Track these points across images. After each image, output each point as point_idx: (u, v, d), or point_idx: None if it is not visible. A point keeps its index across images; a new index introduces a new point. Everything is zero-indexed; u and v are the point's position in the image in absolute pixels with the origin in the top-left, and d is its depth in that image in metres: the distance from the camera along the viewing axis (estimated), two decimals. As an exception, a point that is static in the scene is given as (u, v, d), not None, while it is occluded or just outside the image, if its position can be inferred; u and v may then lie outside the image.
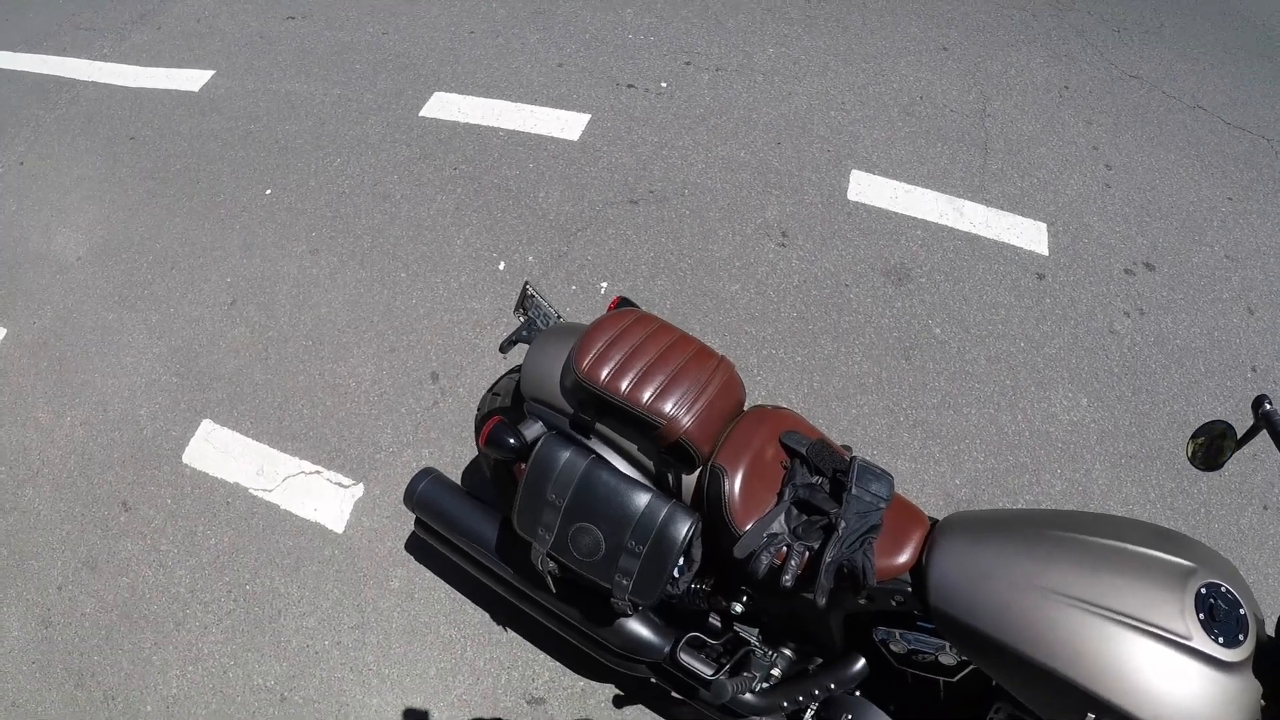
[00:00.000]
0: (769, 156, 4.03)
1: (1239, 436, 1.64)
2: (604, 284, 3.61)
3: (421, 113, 4.51)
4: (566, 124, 4.27)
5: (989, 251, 3.66)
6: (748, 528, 1.78)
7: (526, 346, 2.22)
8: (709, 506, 1.85)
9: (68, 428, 3.60)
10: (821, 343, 3.38)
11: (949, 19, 4.85)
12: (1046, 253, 3.68)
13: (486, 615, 2.85)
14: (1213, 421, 1.70)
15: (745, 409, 2.00)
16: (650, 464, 1.94)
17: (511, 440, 1.93)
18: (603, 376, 1.83)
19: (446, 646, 2.81)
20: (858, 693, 1.99)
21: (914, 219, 3.76)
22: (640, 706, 2.63)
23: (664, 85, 4.42)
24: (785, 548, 1.73)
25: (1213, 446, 1.69)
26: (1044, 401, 3.25)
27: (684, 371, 1.86)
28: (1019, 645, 1.47)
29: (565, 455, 1.88)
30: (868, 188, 3.88)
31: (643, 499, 1.82)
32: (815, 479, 1.85)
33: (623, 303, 2.21)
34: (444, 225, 3.95)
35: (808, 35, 4.71)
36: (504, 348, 2.31)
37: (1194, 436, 1.74)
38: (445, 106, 4.50)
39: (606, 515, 1.84)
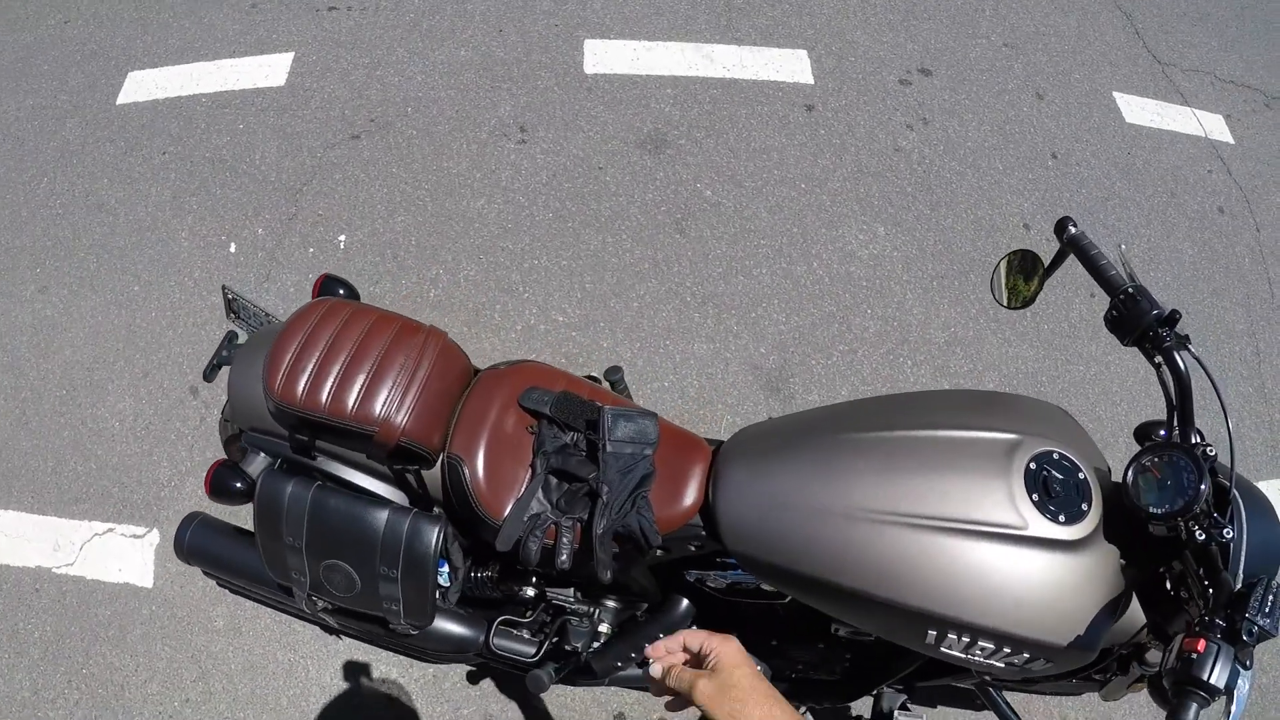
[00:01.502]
0: (492, 47, 3.63)
1: (1046, 266, 1.50)
2: (342, 238, 3.24)
3: (119, 101, 3.98)
4: (270, 69, 3.80)
5: (749, 93, 3.34)
6: (505, 514, 1.58)
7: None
8: (456, 501, 1.65)
9: None
10: (585, 238, 3.04)
11: None
12: (812, 81, 3.38)
13: (316, 629, 2.65)
14: (1013, 252, 1.55)
15: (476, 376, 1.76)
16: (388, 470, 1.73)
17: (238, 485, 1.74)
18: (299, 394, 1.58)
19: (289, 672, 2.64)
20: (693, 627, 1.82)
21: (661, 77, 3.42)
22: (492, 676, 2.53)
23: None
24: (553, 525, 1.56)
25: (1018, 281, 1.55)
26: (838, 241, 2.98)
27: (387, 360, 1.62)
28: (832, 577, 1.32)
29: (288, 489, 1.64)
30: (605, 56, 3.52)
31: (380, 518, 1.60)
32: (568, 437, 1.64)
33: (328, 281, 1.92)
34: (165, 220, 3.52)
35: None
36: (209, 376, 2.00)
37: (996, 273, 1.58)
38: (141, 87, 3.98)
39: (349, 545, 1.62)
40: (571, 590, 1.89)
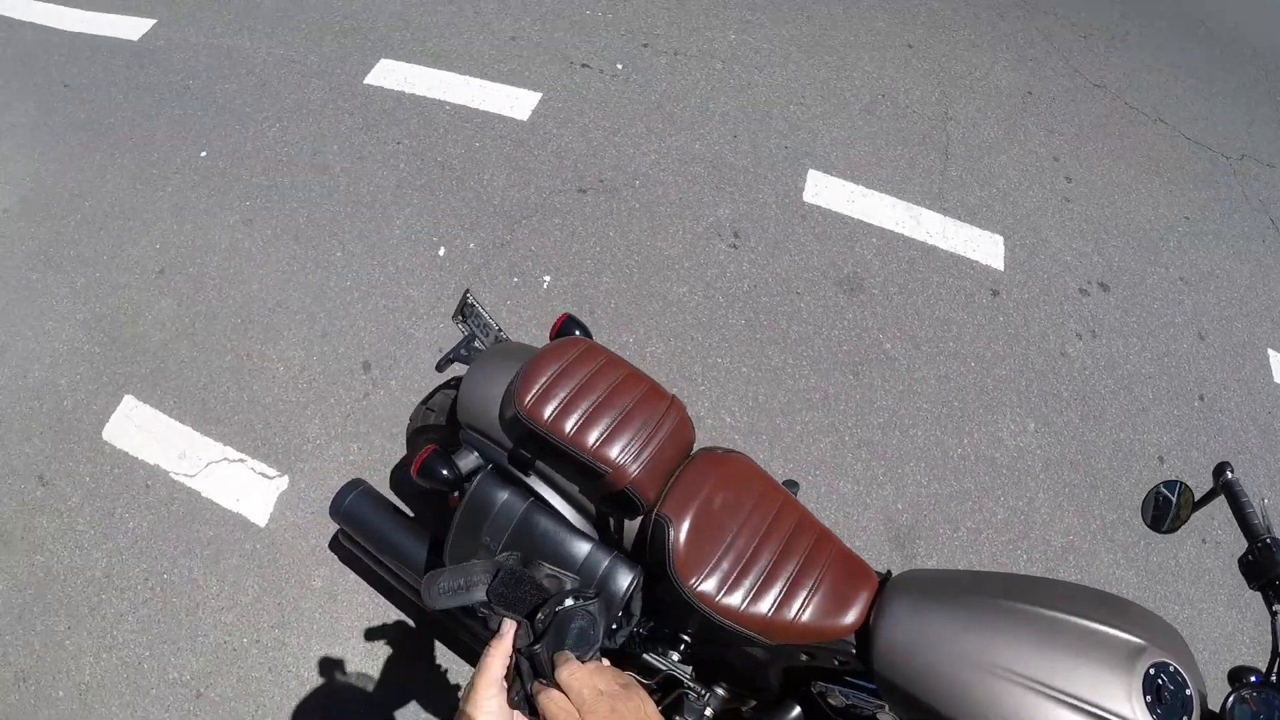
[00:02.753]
0: (724, 150, 3.88)
1: (1195, 500, 1.62)
2: (547, 278, 3.46)
3: (366, 80, 4.28)
4: (517, 102, 4.07)
5: (944, 264, 3.57)
6: (689, 582, 1.70)
7: (464, 366, 2.11)
8: (653, 557, 1.75)
9: None
10: (769, 353, 3.26)
11: (915, 15, 4.73)
12: (1002, 268, 3.60)
13: (410, 624, 2.75)
14: (1169, 481, 1.68)
15: (694, 452, 1.90)
16: (591, 507, 1.84)
17: (445, 472, 1.83)
18: (546, 415, 1.72)
19: (367, 653, 2.72)
20: None
21: (870, 225, 3.65)
22: None
23: (620, 67, 4.23)
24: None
25: (1168, 508, 1.68)
26: (991, 425, 3.18)
27: (632, 414, 1.77)
28: (962, 718, 1.43)
29: (503, 496, 1.78)
30: (824, 189, 3.76)
31: (583, 549, 1.73)
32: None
33: (568, 322, 2.08)
34: (383, 203, 3.76)
35: (771, 23, 4.55)
36: (440, 366, 2.19)
37: (1150, 496, 1.72)
38: (391, 75, 4.28)
39: None
40: (690, 670, 1.97)
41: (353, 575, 2.84)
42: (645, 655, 2.00)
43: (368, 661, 2.71)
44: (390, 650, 2.73)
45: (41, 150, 4.24)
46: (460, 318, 2.21)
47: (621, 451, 1.71)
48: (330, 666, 2.72)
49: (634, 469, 1.70)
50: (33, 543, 3.01)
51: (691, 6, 4.61)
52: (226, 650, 2.75)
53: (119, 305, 3.54)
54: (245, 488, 3.05)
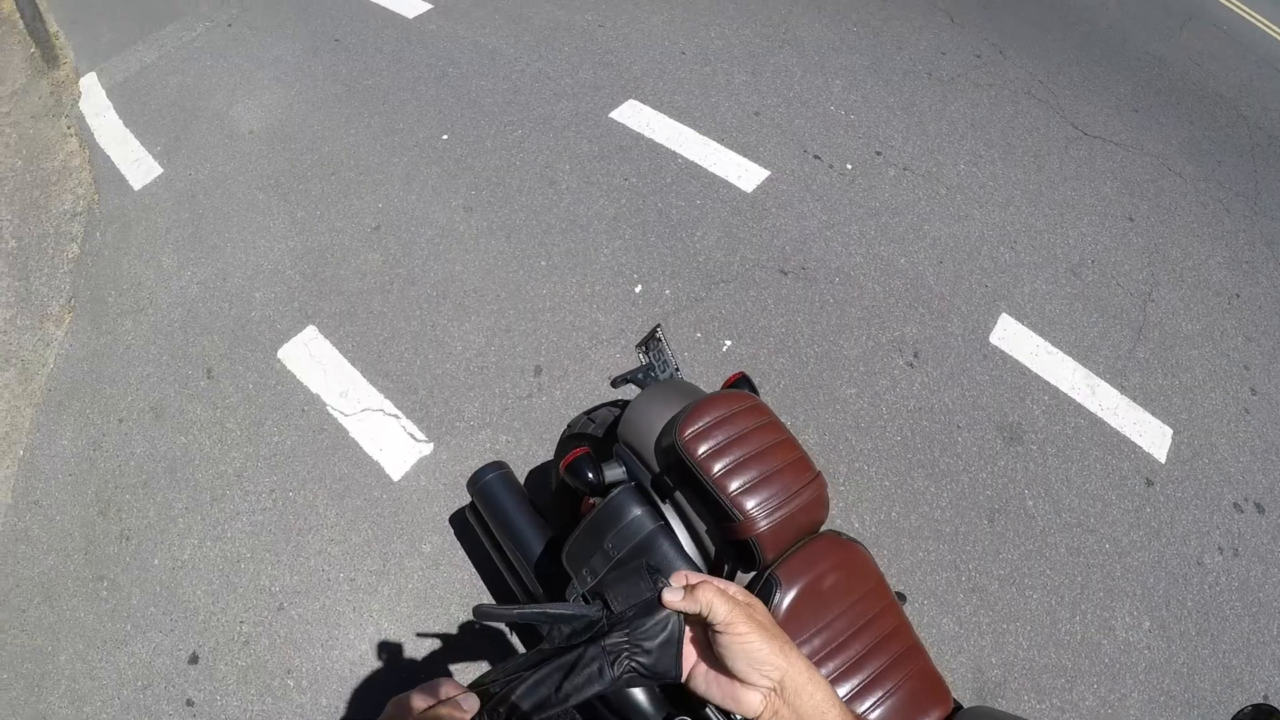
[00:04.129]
0: (927, 272, 4.04)
1: None
2: (728, 342, 3.68)
3: (611, 114, 4.61)
4: (745, 173, 4.33)
5: (1108, 440, 3.62)
6: None
7: (636, 389, 2.27)
8: None
9: (185, 281, 3.85)
10: (914, 476, 3.39)
11: (1143, 190, 4.77)
12: (1163, 460, 3.62)
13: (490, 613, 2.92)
14: (1262, 705, 1.65)
15: (821, 529, 1.99)
16: (712, 548, 1.95)
17: (591, 475, 1.98)
18: (699, 451, 1.84)
19: (449, 625, 2.91)
20: None
21: (1046, 382, 3.73)
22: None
23: (849, 167, 4.44)
24: None
25: None
26: (1107, 611, 3.23)
27: (778, 475, 1.86)
28: None
29: (636, 512, 1.91)
30: (1012, 335, 3.86)
31: None
32: None
33: (741, 380, 2.24)
34: (597, 230, 4.05)
35: (1003, 162, 4.68)
36: (616, 383, 2.38)
37: (1239, 716, 1.69)
38: (635, 116, 4.60)
39: None
40: None
41: (460, 552, 3.05)
42: (707, 710, 2.11)
43: (447, 632, 2.90)
44: (472, 630, 2.90)
45: (299, 89, 4.73)
46: (645, 347, 2.39)
47: (757, 505, 1.81)
48: (410, 625, 2.92)
49: (763, 524, 1.80)
50: (182, 423, 3.37)
51: (930, 128, 4.79)
52: (321, 578, 3.01)
53: (329, 245, 3.94)
54: (391, 441, 3.33)
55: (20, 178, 4.66)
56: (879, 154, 4.55)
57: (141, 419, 3.45)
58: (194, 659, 2.91)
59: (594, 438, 2.34)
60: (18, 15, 6.87)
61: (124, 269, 3.98)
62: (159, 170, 4.42)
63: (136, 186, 4.40)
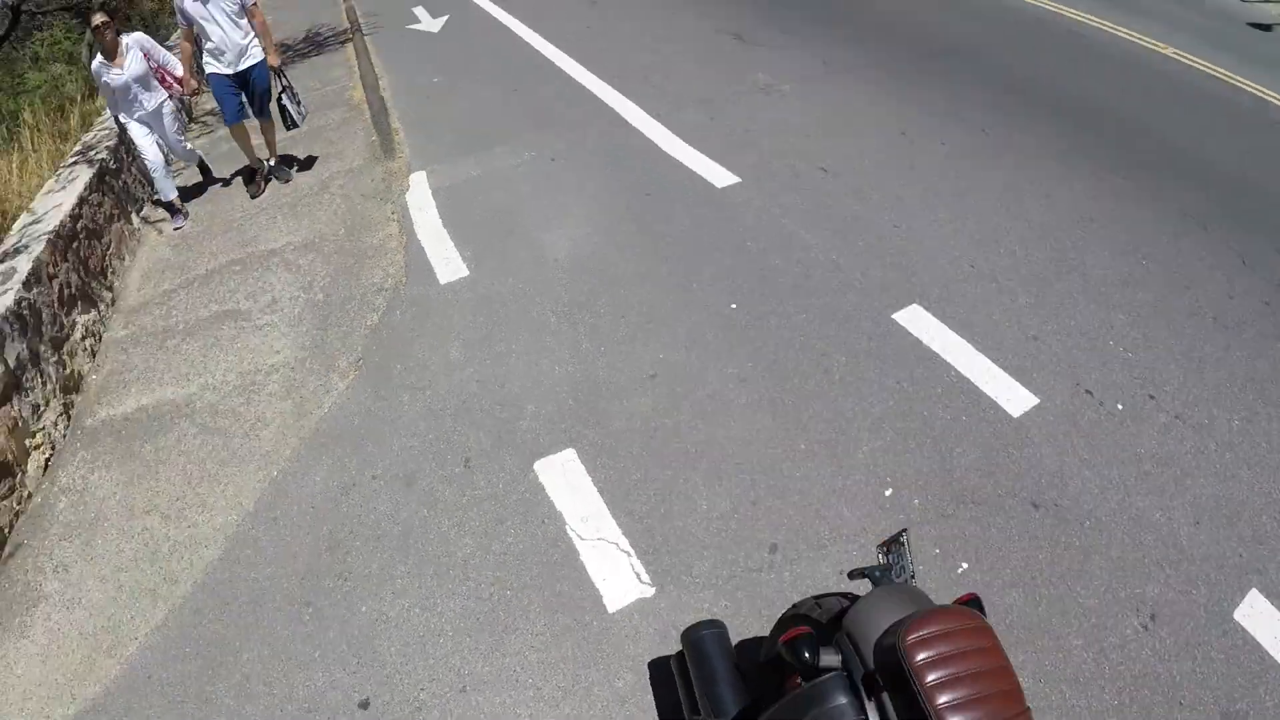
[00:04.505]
0: (1180, 531, 4.01)
1: None
2: (964, 564, 3.84)
3: (895, 315, 4.99)
4: (1014, 397, 4.54)
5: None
6: None
7: (870, 585, 2.45)
8: None
9: (466, 375, 4.49)
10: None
11: None
12: None
13: None
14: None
15: None
16: None
17: (808, 655, 2.04)
18: (919, 658, 1.87)
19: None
20: None
21: (1286, 674, 3.65)
22: None
23: (1120, 407, 4.53)
24: None
25: None
26: None
27: (989, 700, 1.86)
28: None
29: (840, 701, 1.97)
30: (1259, 614, 3.77)
31: None
32: None
33: (973, 600, 2.35)
34: (860, 426, 4.38)
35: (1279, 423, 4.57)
36: (853, 575, 2.60)
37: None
38: (917, 321, 4.94)
39: None
40: None
41: (649, 697, 3.26)
42: None
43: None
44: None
45: (607, 232, 5.40)
46: (887, 548, 2.56)
47: None
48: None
49: None
50: (429, 498, 3.89)
51: (1208, 377, 4.76)
52: (510, 677, 3.31)
53: (605, 380, 4.46)
54: (616, 574, 3.64)
55: (341, 243, 5.67)
56: (1152, 397, 4.60)
57: (393, 482, 4.06)
58: (365, 704, 3.31)
59: (817, 622, 2.43)
60: (365, 105, 8.31)
61: (414, 349, 4.74)
62: (465, 272, 5.23)
63: (442, 281, 5.22)
